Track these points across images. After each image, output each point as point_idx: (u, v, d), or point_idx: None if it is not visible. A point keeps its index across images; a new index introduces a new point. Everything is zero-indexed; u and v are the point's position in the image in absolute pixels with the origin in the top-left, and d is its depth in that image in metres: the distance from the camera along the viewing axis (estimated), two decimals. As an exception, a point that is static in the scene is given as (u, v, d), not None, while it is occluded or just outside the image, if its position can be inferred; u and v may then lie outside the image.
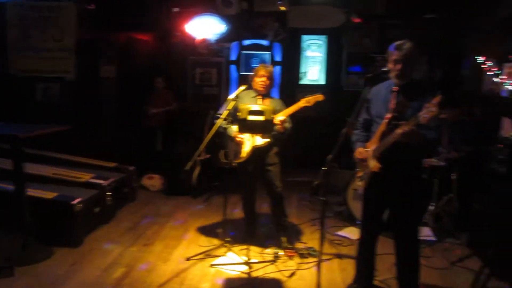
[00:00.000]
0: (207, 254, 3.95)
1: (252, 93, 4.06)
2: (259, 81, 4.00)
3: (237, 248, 4.09)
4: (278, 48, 6.56)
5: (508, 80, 5.05)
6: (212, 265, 3.76)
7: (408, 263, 3.16)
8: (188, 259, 3.87)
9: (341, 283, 3.55)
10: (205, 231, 4.56)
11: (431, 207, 4.69)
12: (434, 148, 4.49)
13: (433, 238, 4.46)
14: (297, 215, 5.15)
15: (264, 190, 4.18)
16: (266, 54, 6.53)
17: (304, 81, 7.40)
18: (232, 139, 4.00)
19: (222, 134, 4.08)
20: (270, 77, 4.03)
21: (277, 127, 3.86)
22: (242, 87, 3.94)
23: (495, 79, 5.35)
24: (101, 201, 4.57)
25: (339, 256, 4.04)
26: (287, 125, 3.99)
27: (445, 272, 3.80)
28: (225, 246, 4.04)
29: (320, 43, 7.32)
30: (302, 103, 3.94)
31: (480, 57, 5.68)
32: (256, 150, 3.88)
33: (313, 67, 7.40)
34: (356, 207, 4.65)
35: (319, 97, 3.95)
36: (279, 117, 3.84)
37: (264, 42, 6.56)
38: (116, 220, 4.82)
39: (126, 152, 6.22)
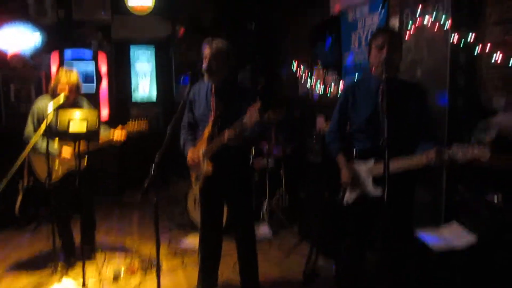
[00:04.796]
0: (36, 286, 3.53)
1: (51, 100, 3.67)
2: (63, 89, 3.67)
3: (73, 272, 3.76)
4: (103, 59, 6.27)
5: (318, 82, 5.69)
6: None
7: (246, 260, 3.26)
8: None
9: (186, 288, 3.51)
10: (33, 263, 4.06)
11: (265, 204, 5.00)
12: (257, 143, 4.80)
13: (270, 233, 4.73)
14: (138, 233, 4.97)
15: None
16: (90, 65, 6.18)
17: (136, 95, 7.25)
18: (54, 156, 3.69)
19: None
20: (75, 85, 3.75)
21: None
22: (61, 98, 3.63)
23: (308, 82, 5.98)
24: None
25: (184, 264, 4.01)
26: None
27: (282, 262, 4.05)
28: (58, 273, 3.69)
29: (148, 54, 7.26)
30: (124, 133, 3.85)
31: (295, 64, 6.30)
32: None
33: (144, 80, 7.30)
34: (198, 215, 4.68)
35: (143, 128, 3.94)
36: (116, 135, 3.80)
37: (87, 53, 6.21)
38: None
39: None
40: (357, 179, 2.60)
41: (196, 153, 3.13)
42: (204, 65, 2.96)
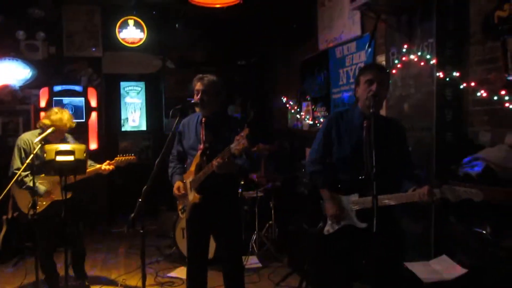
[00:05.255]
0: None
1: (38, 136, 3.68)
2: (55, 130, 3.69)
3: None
4: (93, 94, 6.32)
5: (307, 116, 5.79)
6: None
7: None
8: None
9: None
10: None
11: (255, 236, 4.97)
12: (247, 174, 4.81)
13: (259, 265, 4.69)
14: (125, 265, 4.87)
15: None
16: (80, 100, 6.21)
17: (126, 127, 7.28)
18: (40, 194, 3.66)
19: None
20: (67, 127, 3.79)
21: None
22: (49, 130, 3.64)
23: (297, 116, 6.08)
24: None
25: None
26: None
27: (271, 293, 4.02)
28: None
29: (138, 89, 7.34)
30: (112, 165, 3.91)
31: (284, 98, 6.42)
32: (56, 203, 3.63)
33: (134, 113, 7.35)
34: (185, 246, 4.63)
35: (132, 159, 3.98)
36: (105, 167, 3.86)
37: (77, 88, 6.25)
38: None
39: None
40: (342, 211, 2.62)
41: (183, 183, 3.15)
42: (197, 98, 3.03)
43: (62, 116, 3.73)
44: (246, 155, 2.97)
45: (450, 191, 2.28)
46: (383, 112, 3.45)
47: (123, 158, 3.94)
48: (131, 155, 3.99)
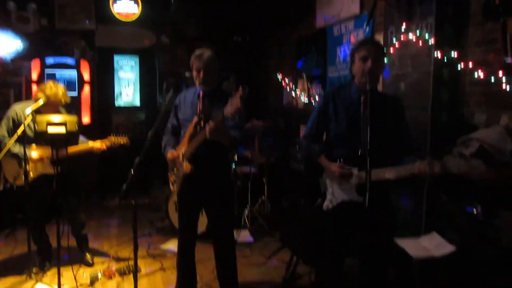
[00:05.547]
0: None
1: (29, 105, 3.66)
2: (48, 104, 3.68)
3: (48, 278, 3.69)
4: (86, 67, 6.22)
5: (302, 93, 5.78)
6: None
7: (225, 263, 3.27)
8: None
9: (165, 293, 3.48)
10: (8, 268, 3.94)
11: (246, 210, 5.02)
12: (239, 146, 4.78)
13: (251, 239, 4.75)
14: (117, 237, 4.90)
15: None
16: (73, 73, 6.12)
17: (119, 102, 7.20)
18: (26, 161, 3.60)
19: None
20: (62, 102, 3.77)
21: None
22: (40, 101, 3.58)
23: (292, 93, 6.07)
24: None
25: (163, 268, 3.99)
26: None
27: (262, 266, 4.09)
28: (32, 279, 3.62)
29: (132, 63, 7.24)
30: (105, 144, 3.87)
31: (279, 75, 6.38)
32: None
33: (128, 88, 7.26)
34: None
35: (125, 141, 3.96)
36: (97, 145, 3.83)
37: (69, 60, 6.15)
38: None
39: None
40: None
41: (176, 153, 3.15)
42: (197, 76, 3.03)
43: (57, 90, 3.68)
44: (239, 121, 2.99)
45: (452, 162, 2.25)
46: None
47: (116, 140, 3.89)
48: (124, 137, 3.95)
